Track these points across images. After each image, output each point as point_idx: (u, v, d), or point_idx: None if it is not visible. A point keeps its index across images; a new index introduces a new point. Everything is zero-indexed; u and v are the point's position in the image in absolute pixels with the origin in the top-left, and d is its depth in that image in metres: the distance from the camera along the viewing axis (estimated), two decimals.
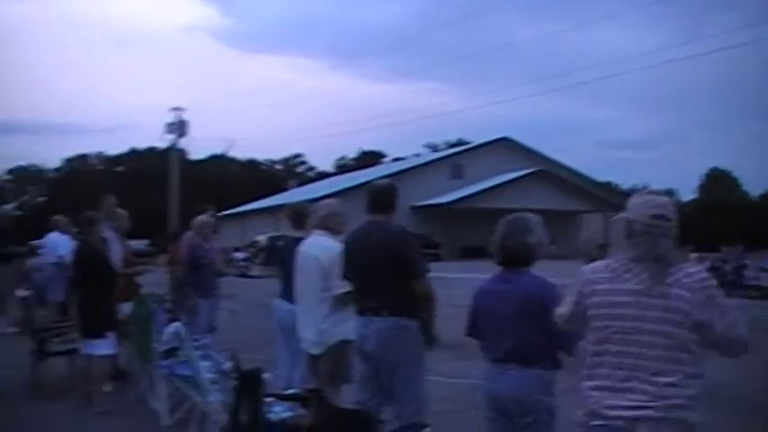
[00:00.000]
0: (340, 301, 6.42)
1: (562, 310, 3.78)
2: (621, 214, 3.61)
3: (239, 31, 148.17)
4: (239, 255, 41.73)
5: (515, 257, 4.51)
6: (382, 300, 5.76)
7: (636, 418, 3.32)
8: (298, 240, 7.26)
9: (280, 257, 8.12)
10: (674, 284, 3.34)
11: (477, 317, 4.64)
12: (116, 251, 9.44)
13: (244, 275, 35.46)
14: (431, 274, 6.15)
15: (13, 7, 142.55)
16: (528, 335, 4.34)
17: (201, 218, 10.99)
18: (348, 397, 6.09)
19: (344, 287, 6.38)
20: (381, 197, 6.17)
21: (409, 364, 5.75)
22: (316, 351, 6.58)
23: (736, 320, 3.39)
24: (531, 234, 4.52)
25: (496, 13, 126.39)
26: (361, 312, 5.93)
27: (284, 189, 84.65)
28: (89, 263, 8.69)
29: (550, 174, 56.63)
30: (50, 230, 14.63)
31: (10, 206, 20.59)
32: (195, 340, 7.70)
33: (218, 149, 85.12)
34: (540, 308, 4.28)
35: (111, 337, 8.55)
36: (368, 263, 5.89)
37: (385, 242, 5.87)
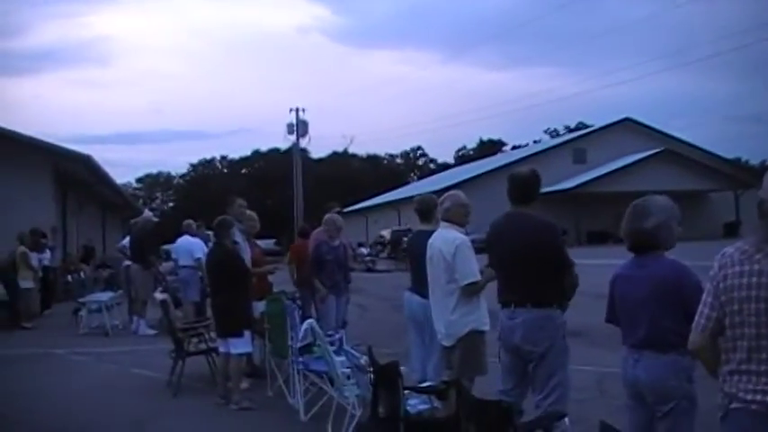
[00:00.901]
0: (467, 292, 6.43)
1: (695, 335, 3.58)
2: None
3: (351, 29, 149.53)
4: (363, 250, 42.19)
5: (640, 243, 4.46)
6: (527, 291, 5.73)
7: None
8: (424, 233, 7.27)
9: (409, 251, 8.14)
10: None
11: (615, 303, 4.61)
12: (246, 252, 9.66)
13: (369, 270, 35.80)
14: None
15: (137, 19, 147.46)
16: (662, 320, 4.27)
17: (330, 215, 11.18)
18: (487, 388, 6.08)
19: (470, 278, 6.38)
20: (524, 187, 6.04)
21: (556, 354, 5.70)
22: (447, 343, 6.59)
23: None
24: (649, 218, 4.42)
25: None
26: (505, 304, 5.89)
27: (405, 183, 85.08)
28: (224, 265, 8.91)
29: (676, 153, 55.06)
30: (181, 234, 15.15)
31: (149, 213, 21.02)
32: (329, 336, 7.82)
33: (338, 147, 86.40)
34: (676, 292, 4.22)
35: (248, 335, 8.77)
36: (514, 254, 5.85)
37: (533, 235, 5.82)
